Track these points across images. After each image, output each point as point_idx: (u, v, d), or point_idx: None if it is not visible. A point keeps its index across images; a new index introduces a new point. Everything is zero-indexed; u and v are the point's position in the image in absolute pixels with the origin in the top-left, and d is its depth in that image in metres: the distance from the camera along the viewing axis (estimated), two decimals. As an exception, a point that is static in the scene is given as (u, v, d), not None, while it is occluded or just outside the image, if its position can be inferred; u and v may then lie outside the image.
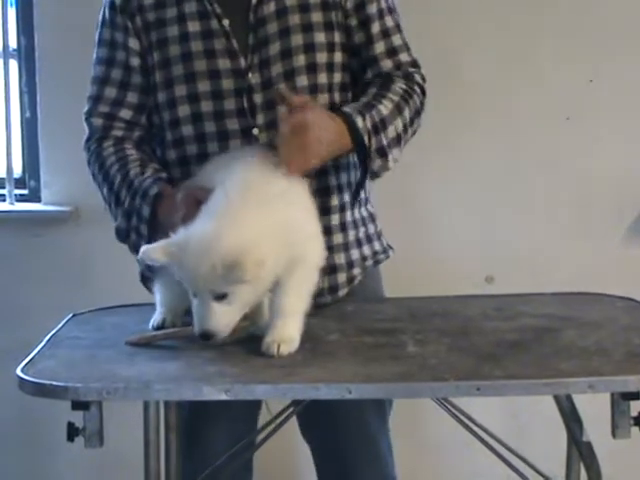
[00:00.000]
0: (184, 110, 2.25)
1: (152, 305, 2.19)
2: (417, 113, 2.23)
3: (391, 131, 2.15)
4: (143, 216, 2.15)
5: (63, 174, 3.30)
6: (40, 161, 3.35)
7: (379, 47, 2.26)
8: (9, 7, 3.34)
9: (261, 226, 1.88)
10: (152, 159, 2.29)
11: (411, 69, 2.27)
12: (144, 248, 1.86)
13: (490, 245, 3.29)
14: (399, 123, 2.17)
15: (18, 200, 3.37)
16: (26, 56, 3.35)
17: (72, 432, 1.90)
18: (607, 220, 3.32)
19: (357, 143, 2.10)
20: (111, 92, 2.28)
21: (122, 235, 2.24)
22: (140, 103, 2.29)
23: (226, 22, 2.22)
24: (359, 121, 2.09)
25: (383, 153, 2.15)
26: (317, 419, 2.38)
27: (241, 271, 1.81)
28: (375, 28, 2.26)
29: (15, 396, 1.97)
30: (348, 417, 2.33)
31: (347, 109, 2.11)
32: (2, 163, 3.35)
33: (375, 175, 2.19)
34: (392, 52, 2.26)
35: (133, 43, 2.27)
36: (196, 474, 2.37)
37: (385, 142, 2.13)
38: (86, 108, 2.32)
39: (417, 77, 2.26)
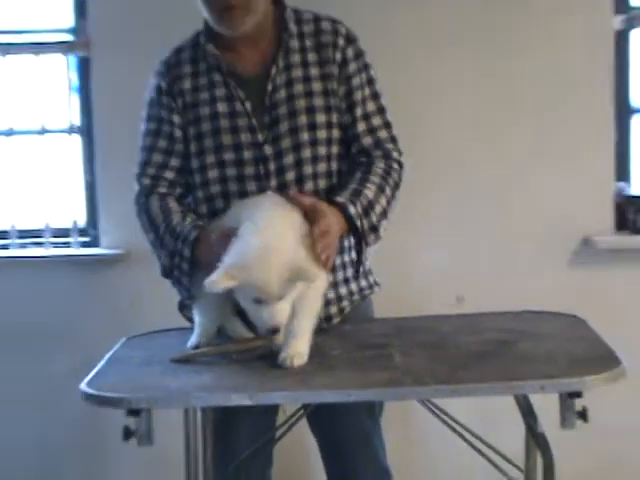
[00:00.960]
0: (213, 174, 2.25)
1: (190, 329, 2.19)
2: (396, 186, 2.25)
3: (378, 209, 2.16)
4: (185, 256, 2.14)
5: (116, 225, 3.29)
6: (99, 215, 3.35)
7: (361, 126, 2.27)
8: (73, 94, 3.34)
9: (295, 238, 1.90)
10: (190, 211, 2.28)
11: (388, 145, 2.26)
12: (208, 280, 1.83)
13: (460, 273, 3.27)
14: (383, 201, 2.18)
15: (82, 246, 3.36)
16: (86, 132, 3.35)
17: (127, 434, 1.89)
18: (554, 250, 3.29)
19: (352, 227, 2.11)
20: (158, 157, 2.29)
21: (166, 272, 2.23)
22: (181, 166, 2.29)
23: (248, 105, 2.22)
24: (351, 209, 2.09)
25: (374, 229, 2.16)
26: (323, 419, 2.37)
27: (305, 272, 1.84)
28: (358, 112, 2.27)
29: (80, 406, 1.96)
30: (347, 418, 2.32)
31: (341, 199, 2.11)
32: (69, 217, 3.34)
33: (369, 245, 2.19)
34: (371, 131, 2.27)
35: (176, 119, 2.27)
36: (226, 465, 2.36)
37: (375, 220, 2.15)
38: (137, 171, 2.31)
39: (394, 154, 2.27)
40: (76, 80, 3.34)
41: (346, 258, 2.28)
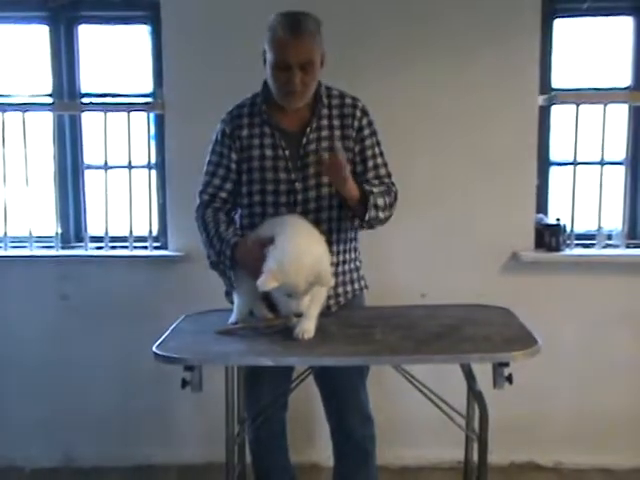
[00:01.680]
0: (256, 198, 2.29)
1: (230, 310, 2.22)
2: (391, 206, 2.30)
3: (380, 201, 2.23)
4: (227, 255, 2.18)
5: (180, 234, 3.29)
6: (167, 227, 3.36)
7: (370, 174, 2.32)
8: (151, 140, 3.36)
9: (318, 248, 1.96)
10: (233, 222, 2.31)
11: (387, 180, 2.33)
12: (259, 281, 1.90)
13: (424, 276, 3.28)
14: (382, 200, 2.25)
15: (155, 249, 3.36)
16: (160, 168, 3.36)
17: (184, 383, 1.94)
18: (491, 261, 3.30)
19: (363, 200, 2.17)
20: (216, 181, 2.32)
21: (214, 265, 2.27)
22: (232, 190, 2.32)
23: (287, 152, 2.26)
24: (366, 186, 2.20)
25: (376, 208, 2.21)
26: (324, 376, 2.40)
27: (323, 279, 1.91)
28: (369, 164, 2.32)
29: (152, 362, 1.99)
30: (341, 376, 2.35)
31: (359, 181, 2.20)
32: (147, 228, 3.35)
33: (369, 224, 2.24)
34: (377, 177, 2.32)
35: (233, 156, 2.31)
36: (253, 408, 2.41)
37: (379, 202, 2.22)
38: (200, 189, 2.35)
39: (393, 188, 2.33)
40: (154, 131, 3.35)
41: (346, 267, 2.33)
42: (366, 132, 2.32)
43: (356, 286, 2.42)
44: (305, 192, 2.28)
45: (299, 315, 1.94)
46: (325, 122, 2.30)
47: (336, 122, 2.30)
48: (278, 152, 2.28)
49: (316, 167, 2.26)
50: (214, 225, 2.26)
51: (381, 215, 2.25)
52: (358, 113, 2.31)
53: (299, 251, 1.90)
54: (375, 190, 2.24)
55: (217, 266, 2.25)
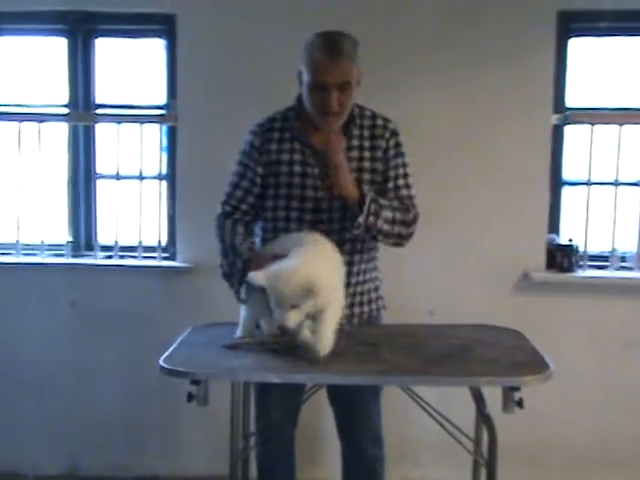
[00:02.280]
0: (281, 213, 2.26)
1: (237, 324, 2.18)
2: (404, 223, 2.23)
3: (384, 213, 2.16)
4: (238, 268, 2.14)
5: (189, 246, 3.28)
6: (176, 238, 3.34)
7: (390, 194, 2.26)
8: (163, 152, 3.35)
9: (322, 269, 1.88)
10: (252, 235, 2.28)
11: (407, 201, 2.27)
12: (251, 274, 1.90)
13: (433, 294, 3.24)
14: (397, 215, 2.20)
15: (163, 259, 3.34)
16: (171, 179, 3.35)
17: (190, 397, 1.91)
18: (502, 279, 3.24)
19: (361, 205, 2.12)
20: (239, 193, 2.29)
21: (226, 276, 2.23)
22: (254, 203, 2.28)
23: (316, 170, 2.22)
24: (368, 191, 2.13)
25: (376, 215, 2.15)
26: (337, 394, 2.37)
27: (312, 293, 1.81)
28: (391, 184, 2.27)
29: (157, 375, 1.96)
30: (354, 394, 2.30)
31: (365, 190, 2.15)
32: (156, 238, 3.33)
33: (368, 221, 2.15)
34: (398, 198, 2.26)
35: (259, 170, 2.27)
36: (262, 422, 2.38)
37: (383, 213, 2.16)
38: (222, 199, 2.31)
39: (412, 210, 2.26)
40: (165, 142, 3.35)
41: (365, 287, 2.30)
42: (391, 152, 2.27)
43: (373, 306, 2.37)
44: (330, 212, 2.24)
45: (282, 330, 1.87)
46: (356, 142, 2.26)
47: (366, 143, 2.27)
48: (307, 169, 2.24)
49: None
50: (231, 236, 2.23)
51: (386, 227, 2.18)
52: (387, 134, 2.27)
53: (298, 263, 1.87)
54: (383, 201, 2.18)
55: (229, 277, 2.22)
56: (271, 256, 2.02)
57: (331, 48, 2.11)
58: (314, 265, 1.88)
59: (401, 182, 2.28)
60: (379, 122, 2.29)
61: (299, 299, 1.83)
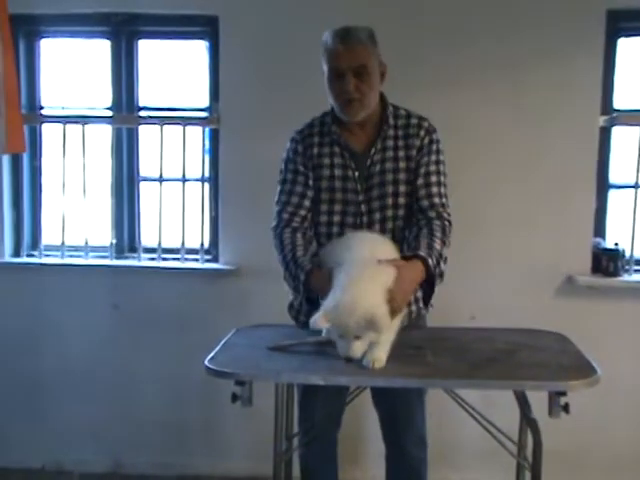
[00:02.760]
0: (323, 218, 2.27)
1: (283, 325, 2.18)
2: (448, 237, 2.22)
3: (443, 257, 2.16)
4: (301, 280, 2.13)
5: (231, 248, 3.30)
6: (219, 240, 3.36)
7: (421, 192, 2.24)
8: (206, 154, 3.38)
9: (377, 295, 1.87)
10: (311, 244, 2.26)
11: (440, 209, 2.23)
12: (311, 320, 1.87)
13: (474, 297, 3.21)
14: (445, 251, 2.17)
15: (206, 261, 3.36)
16: (214, 181, 3.37)
17: (234, 398, 1.93)
18: (545, 283, 3.21)
19: (429, 274, 2.08)
20: (295, 199, 2.28)
21: (292, 288, 2.22)
22: (310, 207, 2.28)
23: (356, 173, 2.23)
24: (430, 261, 2.06)
25: (441, 276, 2.16)
26: (381, 396, 2.37)
27: (376, 324, 1.81)
28: (420, 181, 2.24)
29: (202, 375, 1.98)
30: (399, 396, 2.30)
31: (422, 254, 2.08)
32: (199, 240, 3.36)
33: (437, 286, 2.17)
34: (429, 196, 2.24)
35: (310, 173, 2.27)
36: (307, 423, 2.37)
37: (443, 268, 2.15)
38: (278, 208, 2.30)
39: (445, 215, 2.23)
40: (208, 145, 3.37)
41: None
42: (425, 150, 2.26)
43: (421, 304, 2.35)
44: (370, 214, 2.25)
45: (349, 360, 1.86)
46: (390, 143, 2.26)
47: (401, 143, 2.26)
48: (347, 173, 2.25)
49: (380, 189, 2.23)
50: (291, 248, 2.22)
51: (444, 267, 2.21)
52: (422, 133, 2.26)
53: (355, 293, 1.85)
54: (435, 247, 2.14)
55: (295, 289, 2.22)
56: (329, 270, 2.02)
57: (343, 35, 2.15)
58: (373, 294, 1.87)
59: (433, 179, 2.25)
60: (413, 121, 2.28)
61: (362, 330, 1.84)
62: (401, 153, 2.25)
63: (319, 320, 1.85)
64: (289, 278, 2.21)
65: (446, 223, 2.23)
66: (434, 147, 2.27)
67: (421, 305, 2.34)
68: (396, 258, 2.05)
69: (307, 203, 2.28)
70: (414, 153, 2.25)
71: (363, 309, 1.81)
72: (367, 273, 1.91)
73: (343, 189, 2.25)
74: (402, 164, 2.25)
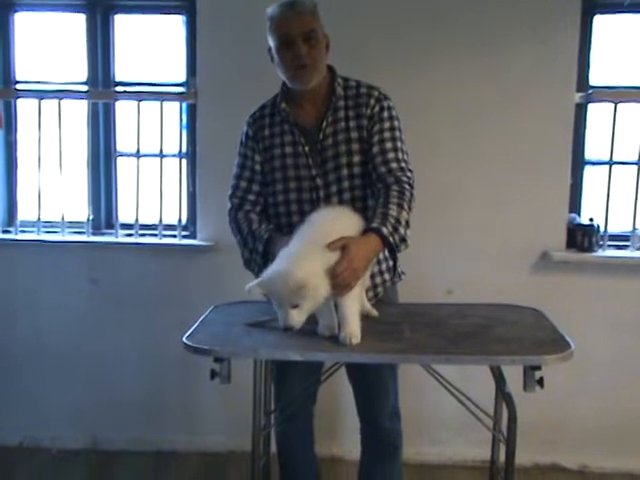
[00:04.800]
0: (280, 197, 2.26)
1: (259, 302, 2.16)
2: (410, 201, 2.16)
3: (402, 222, 2.08)
4: (259, 251, 2.15)
5: (209, 224, 3.28)
6: (197, 216, 3.33)
7: (377, 159, 2.21)
8: (183, 130, 3.35)
9: (313, 267, 1.85)
10: (265, 221, 2.27)
11: (399, 173, 2.18)
12: (248, 286, 1.86)
13: (451, 272, 3.23)
14: (405, 214, 2.11)
15: (184, 237, 3.35)
16: (191, 157, 3.34)
17: (213, 375, 1.92)
18: (521, 258, 3.23)
19: (387, 244, 2.04)
20: (243, 184, 2.30)
21: (247, 264, 2.24)
22: (260, 191, 2.29)
23: (307, 148, 2.22)
24: (384, 230, 2.02)
25: (403, 240, 2.10)
26: (356, 370, 2.37)
27: (304, 292, 1.80)
28: (375, 149, 2.21)
29: (181, 352, 1.96)
30: (373, 371, 2.32)
31: (375, 225, 2.03)
32: (176, 216, 3.34)
33: (400, 252, 2.13)
34: (385, 163, 2.20)
35: (257, 157, 2.28)
36: (282, 399, 2.40)
37: (403, 232, 2.07)
38: (229, 192, 2.33)
39: (404, 178, 2.18)
40: (185, 120, 3.34)
41: (380, 255, 2.20)
42: (376, 118, 2.21)
43: (386, 276, 2.35)
44: (327, 187, 2.23)
45: (287, 329, 1.85)
46: (341, 114, 2.24)
47: (352, 113, 2.24)
48: (298, 149, 2.24)
49: (335, 161, 2.22)
50: (247, 224, 2.24)
51: (409, 232, 2.13)
52: (372, 101, 2.23)
53: (291, 264, 1.84)
54: (391, 213, 2.08)
55: (249, 264, 2.23)
56: (287, 238, 2.01)
57: (290, 3, 2.16)
58: (310, 265, 1.85)
59: (388, 145, 2.21)
60: (362, 90, 2.26)
61: (296, 299, 1.83)
62: (352, 123, 2.23)
63: (253, 288, 1.86)
64: (247, 253, 2.22)
65: (405, 186, 2.17)
66: (385, 114, 2.23)
67: (386, 277, 2.34)
68: (351, 235, 2.00)
69: (256, 187, 2.29)
70: (365, 122, 2.23)
71: (295, 278, 1.80)
72: (309, 249, 1.89)
73: (295, 165, 2.24)
74: (354, 134, 2.23)
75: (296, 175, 2.24)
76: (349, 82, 2.29)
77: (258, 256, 2.16)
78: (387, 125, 2.24)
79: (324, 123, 2.23)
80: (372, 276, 2.25)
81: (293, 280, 1.80)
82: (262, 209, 2.32)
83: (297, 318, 1.85)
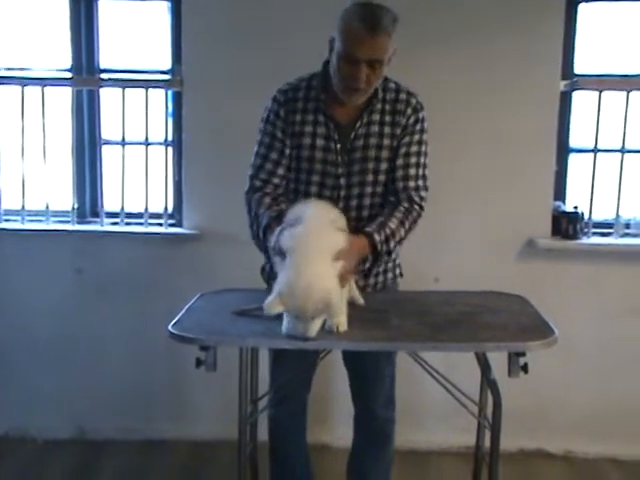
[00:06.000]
0: (301, 188, 2.23)
1: (247, 290, 2.17)
2: (414, 222, 2.18)
3: (397, 238, 2.11)
4: (260, 237, 2.11)
5: (195, 212, 3.27)
6: (183, 204, 3.32)
7: (398, 173, 2.20)
8: (169, 117, 3.32)
9: (332, 277, 1.83)
10: (277, 204, 2.17)
11: (413, 192, 2.19)
12: (265, 304, 1.80)
13: (438, 260, 3.24)
14: (402, 231, 2.13)
15: (170, 226, 3.33)
16: (177, 145, 3.32)
17: (198, 363, 1.92)
18: (506, 245, 3.25)
19: (374, 251, 2.06)
20: (269, 166, 2.21)
21: (255, 237, 2.18)
22: (285, 175, 2.22)
23: (339, 145, 2.16)
24: (376, 237, 2.04)
25: (389, 253, 2.12)
26: (351, 357, 2.38)
27: (331, 309, 1.79)
28: (399, 162, 2.20)
29: (166, 340, 1.96)
30: (368, 358, 2.31)
31: (369, 230, 2.06)
32: (162, 205, 3.32)
33: (381, 262, 2.16)
34: (405, 179, 2.19)
35: (287, 141, 2.19)
36: (276, 384, 2.38)
37: (392, 247, 2.10)
38: (251, 172, 2.24)
39: (416, 198, 2.19)
40: (171, 108, 3.32)
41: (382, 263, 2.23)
42: (409, 130, 2.19)
43: (389, 275, 2.36)
44: (349, 189, 2.19)
45: (306, 339, 1.84)
46: (377, 117, 2.18)
47: (387, 118, 2.18)
48: (330, 144, 2.17)
49: (362, 164, 2.18)
50: (256, 209, 2.17)
51: (392, 246, 2.14)
52: (409, 111, 2.19)
53: (310, 276, 1.80)
54: (390, 225, 2.11)
55: (258, 237, 2.16)
56: (281, 228, 1.97)
57: (371, 21, 1.98)
58: (328, 277, 1.83)
59: (412, 160, 2.19)
60: (402, 97, 2.20)
61: (318, 312, 1.81)
62: (387, 129, 2.18)
63: (274, 304, 1.79)
64: (255, 238, 2.18)
65: (415, 207, 2.18)
66: (418, 127, 2.20)
67: (389, 275, 2.36)
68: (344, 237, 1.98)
69: (281, 171, 2.21)
70: (398, 131, 2.18)
71: (319, 294, 1.77)
72: (323, 260, 1.85)
73: (323, 160, 2.18)
74: (386, 141, 2.18)
75: (322, 170, 2.18)
76: (389, 84, 2.21)
77: (261, 231, 2.11)
78: (417, 138, 2.20)
79: (358, 123, 2.17)
80: (365, 276, 2.26)
81: (318, 296, 1.77)
82: (281, 194, 2.23)
83: (315, 328, 1.83)
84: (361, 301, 2.14)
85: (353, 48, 2.01)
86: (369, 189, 2.20)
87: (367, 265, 2.19)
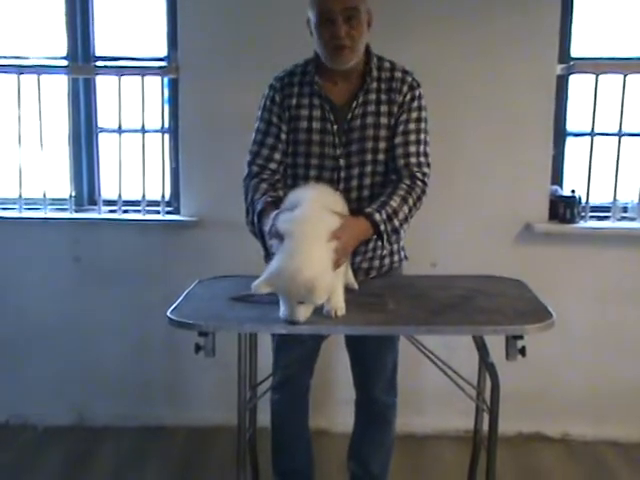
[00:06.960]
0: (300, 172, 2.21)
1: (245, 276, 2.16)
2: (418, 199, 2.16)
3: (401, 215, 2.08)
4: (257, 211, 2.10)
5: (192, 199, 3.27)
6: (180, 192, 3.31)
7: (398, 151, 2.18)
8: (165, 104, 3.31)
9: (323, 261, 1.82)
10: (274, 190, 2.18)
11: (415, 169, 2.17)
12: (253, 284, 1.80)
13: (435, 245, 3.24)
14: (405, 209, 2.10)
15: (167, 213, 3.33)
16: (174, 132, 3.31)
17: (198, 348, 1.92)
18: (503, 230, 3.24)
19: (377, 231, 2.04)
20: (265, 151, 2.21)
21: (249, 222, 2.18)
22: (281, 160, 2.22)
23: (335, 127, 2.16)
24: (377, 216, 2.02)
25: (396, 231, 2.10)
26: (354, 341, 2.38)
27: (314, 296, 1.77)
28: (398, 139, 2.18)
29: (165, 326, 1.95)
30: (370, 342, 2.31)
31: (368, 210, 2.04)
32: (159, 192, 3.31)
33: (391, 242, 2.14)
34: (406, 156, 2.18)
35: (283, 126, 2.20)
36: (279, 369, 2.39)
37: (397, 224, 2.08)
38: (248, 158, 2.24)
39: (419, 175, 2.17)
40: (167, 95, 3.30)
41: (379, 242, 2.17)
42: (405, 107, 2.18)
43: (395, 258, 2.35)
44: (348, 169, 2.18)
45: (292, 323, 1.83)
46: (373, 96, 2.17)
47: (384, 97, 2.18)
48: (327, 126, 2.17)
49: (360, 143, 2.17)
50: (252, 193, 2.17)
51: (405, 226, 2.15)
52: (405, 88, 2.18)
53: (301, 260, 1.78)
54: (391, 204, 2.08)
55: (253, 224, 2.16)
56: (276, 213, 1.97)
57: None
58: (319, 261, 1.81)
59: (412, 138, 2.18)
60: (397, 75, 2.19)
61: (304, 297, 1.80)
62: (383, 108, 2.17)
63: (260, 286, 1.80)
64: (250, 225, 2.17)
65: (417, 183, 2.16)
66: (415, 104, 2.19)
67: (395, 259, 2.35)
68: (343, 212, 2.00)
69: (278, 156, 2.21)
70: (395, 109, 2.17)
71: (304, 279, 1.75)
72: (314, 244, 1.83)
73: (321, 142, 2.18)
74: (384, 120, 2.17)
75: (320, 152, 2.18)
76: (384, 63, 2.21)
77: (255, 217, 2.11)
78: (414, 116, 2.19)
79: (354, 103, 2.17)
80: (371, 259, 2.25)
81: (303, 281, 1.76)
82: (280, 179, 2.23)
83: (303, 313, 1.82)
84: (355, 286, 2.14)
85: (325, 4, 2.05)
86: (369, 168, 2.19)
87: (371, 245, 2.20)
